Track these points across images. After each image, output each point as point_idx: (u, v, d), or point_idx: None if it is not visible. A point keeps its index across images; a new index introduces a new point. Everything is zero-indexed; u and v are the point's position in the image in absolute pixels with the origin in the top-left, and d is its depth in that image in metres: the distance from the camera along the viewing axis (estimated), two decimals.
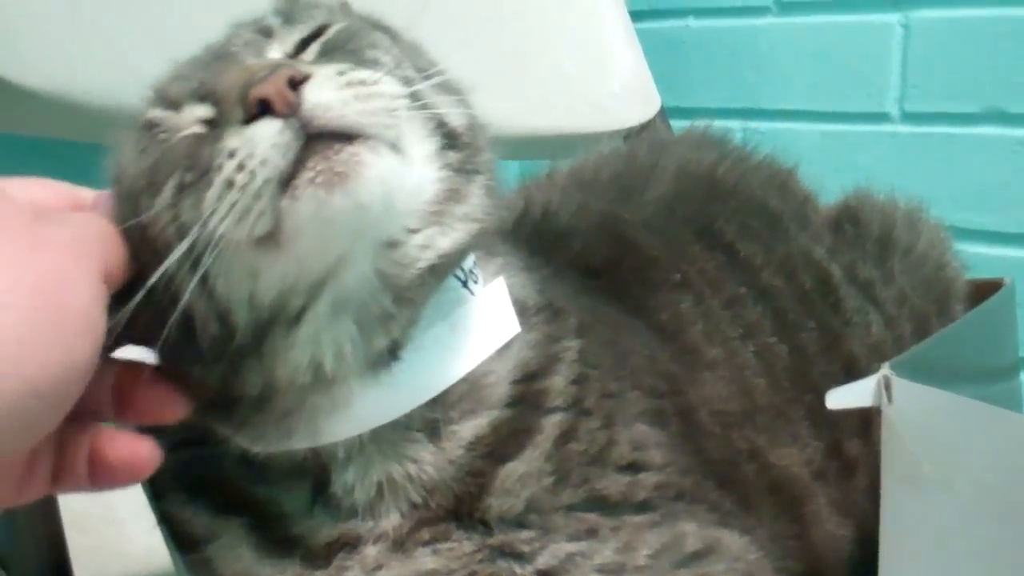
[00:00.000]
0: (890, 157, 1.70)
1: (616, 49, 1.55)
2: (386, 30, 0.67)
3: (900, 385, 0.74)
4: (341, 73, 0.55)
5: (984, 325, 0.95)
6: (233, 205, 0.52)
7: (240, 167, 0.53)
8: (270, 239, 0.54)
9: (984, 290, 1.02)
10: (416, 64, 0.64)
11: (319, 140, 0.53)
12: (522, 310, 0.68)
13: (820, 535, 0.84)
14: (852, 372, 0.88)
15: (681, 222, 0.93)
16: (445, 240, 0.60)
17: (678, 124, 1.71)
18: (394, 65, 0.61)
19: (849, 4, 1.74)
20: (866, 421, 0.87)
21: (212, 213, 0.53)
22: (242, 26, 0.64)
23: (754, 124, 1.86)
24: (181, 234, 0.54)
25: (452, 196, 0.61)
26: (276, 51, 0.61)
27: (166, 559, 0.65)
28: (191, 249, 0.53)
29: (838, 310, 0.93)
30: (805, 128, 1.80)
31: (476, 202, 0.63)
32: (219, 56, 0.61)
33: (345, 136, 0.54)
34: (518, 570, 0.62)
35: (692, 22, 1.93)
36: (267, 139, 0.52)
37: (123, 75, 1.04)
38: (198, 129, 0.57)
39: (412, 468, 0.62)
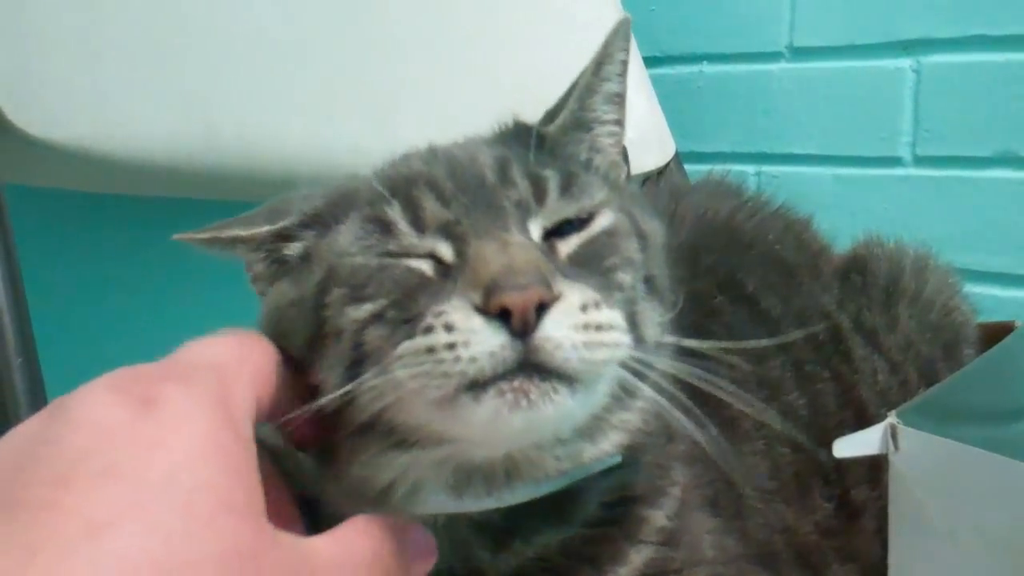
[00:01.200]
0: (903, 200, 1.71)
1: (630, 95, 1.56)
2: (642, 235, 0.67)
3: (906, 433, 0.75)
4: (584, 309, 0.55)
5: (995, 368, 0.94)
6: (422, 368, 0.54)
7: (450, 347, 0.54)
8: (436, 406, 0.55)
9: (995, 333, 1.03)
10: (650, 270, 0.65)
11: (529, 366, 0.54)
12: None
13: None
14: (862, 419, 0.90)
15: (704, 272, 0.95)
16: (589, 452, 0.62)
17: (692, 168, 1.73)
18: (631, 284, 0.62)
19: (861, 49, 1.76)
20: (874, 466, 0.87)
21: (400, 359, 0.55)
22: (519, 163, 0.65)
23: (768, 168, 1.87)
24: (356, 351, 0.57)
25: (616, 404, 0.62)
26: (537, 227, 0.62)
27: None
28: (355, 362, 0.57)
29: (848, 359, 0.95)
30: (818, 172, 1.81)
31: (639, 408, 0.63)
32: (487, 200, 0.61)
33: (555, 373, 0.54)
34: None
35: (706, 67, 1.95)
36: (488, 345, 0.53)
37: (144, 128, 1.06)
38: (427, 269, 0.59)
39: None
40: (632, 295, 0.62)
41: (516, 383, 0.53)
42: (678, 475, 0.71)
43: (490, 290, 0.54)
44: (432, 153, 0.68)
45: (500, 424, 0.54)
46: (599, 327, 0.55)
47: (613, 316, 0.57)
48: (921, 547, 0.74)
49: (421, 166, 0.65)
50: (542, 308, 0.54)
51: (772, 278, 0.97)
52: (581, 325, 0.55)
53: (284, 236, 0.65)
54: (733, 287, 0.94)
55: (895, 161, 1.73)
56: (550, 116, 0.70)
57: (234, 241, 0.64)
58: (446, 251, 0.59)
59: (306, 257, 0.64)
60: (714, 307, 0.91)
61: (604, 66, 0.70)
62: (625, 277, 0.62)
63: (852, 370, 0.95)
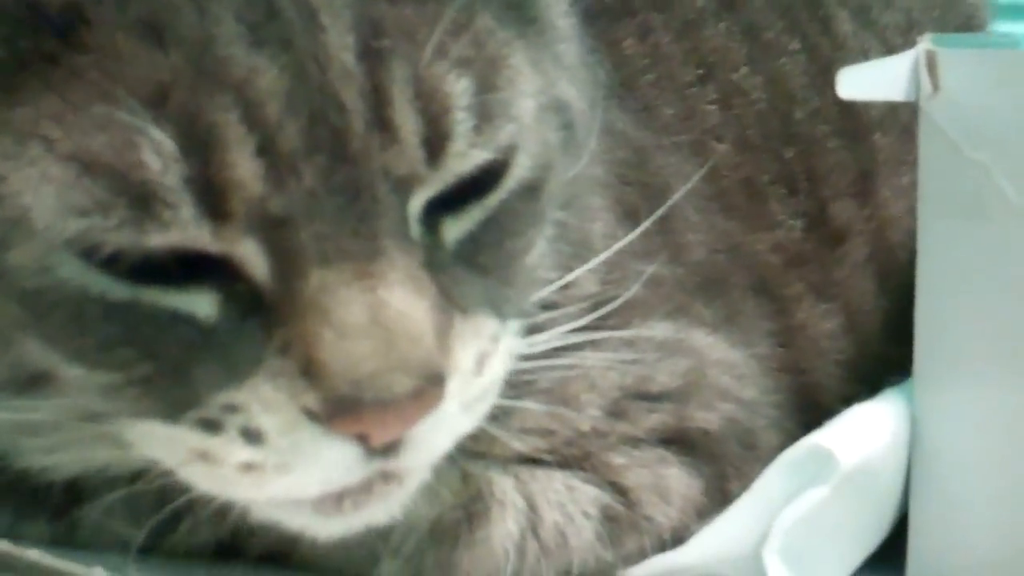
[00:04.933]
0: None
1: None
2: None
3: (951, 61, 0.47)
4: (479, 366, 0.39)
5: None
6: (193, 468, 0.37)
7: (248, 468, 0.36)
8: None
9: None
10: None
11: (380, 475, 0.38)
12: None
13: (802, 334, 0.65)
14: (847, 112, 0.68)
15: None
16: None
17: None
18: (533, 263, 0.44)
19: None
20: (864, 175, 0.68)
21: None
22: (406, 60, 0.36)
23: None
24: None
25: None
26: (420, 201, 0.38)
27: None
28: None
29: (827, 30, 0.73)
30: None
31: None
32: (348, 174, 0.35)
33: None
34: None
35: None
36: (321, 473, 0.37)
37: None
38: (207, 305, 0.36)
39: None
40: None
41: (349, 500, 0.38)
42: (597, 203, 0.54)
43: (340, 401, 0.35)
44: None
45: (316, 530, 0.40)
46: (493, 382, 0.40)
47: (511, 344, 0.41)
48: (975, 234, 0.46)
49: (239, 51, 0.35)
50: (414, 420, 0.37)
51: None
52: (470, 401, 0.39)
53: None
54: None
55: None
56: None
57: None
58: (259, 266, 0.35)
59: None
60: None
61: None
62: (527, 264, 0.43)
63: (834, 44, 0.72)
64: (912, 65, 0.48)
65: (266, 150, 0.34)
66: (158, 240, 0.34)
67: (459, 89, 0.36)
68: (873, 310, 0.65)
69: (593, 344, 0.50)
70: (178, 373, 0.36)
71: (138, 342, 0.36)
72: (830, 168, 0.67)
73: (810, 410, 0.60)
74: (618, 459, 0.51)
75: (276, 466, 0.36)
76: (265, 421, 0.35)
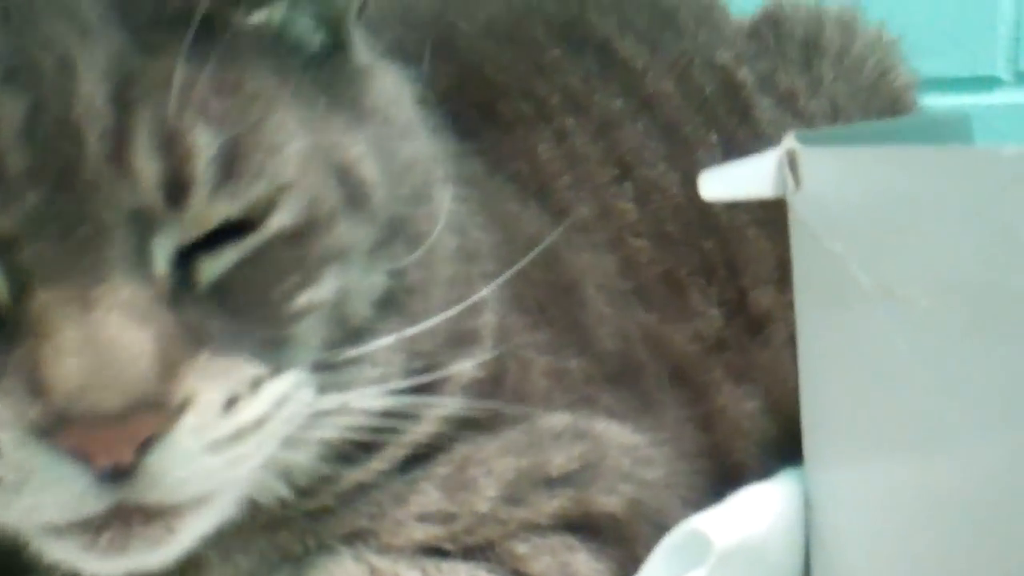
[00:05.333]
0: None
1: None
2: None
3: (810, 159, 0.50)
4: (231, 405, 0.40)
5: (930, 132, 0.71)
6: None
7: None
8: None
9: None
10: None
11: (131, 508, 0.39)
12: None
13: (722, 417, 0.66)
14: (766, 200, 0.66)
15: (537, 18, 0.73)
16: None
17: None
18: (323, 316, 0.44)
19: None
20: (784, 262, 0.65)
21: None
22: (152, 101, 0.39)
23: None
24: None
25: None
26: (167, 247, 0.40)
27: None
28: None
29: (746, 119, 0.75)
30: None
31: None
32: (79, 196, 0.38)
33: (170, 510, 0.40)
34: None
35: None
36: (58, 493, 0.38)
37: None
38: None
39: None
40: (329, 316, 0.44)
41: (107, 536, 0.39)
42: (486, 300, 0.54)
43: (59, 415, 0.36)
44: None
45: (90, 568, 0.41)
46: (258, 423, 0.41)
47: (278, 391, 0.42)
48: (842, 320, 0.48)
49: None
50: (149, 439, 0.38)
51: (638, 22, 0.75)
52: (224, 439, 0.40)
53: None
54: (577, 32, 0.73)
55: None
56: None
57: None
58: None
59: None
60: (544, 62, 0.71)
61: None
62: (304, 312, 0.43)
63: (753, 133, 0.73)
64: (777, 163, 0.51)
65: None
66: None
67: (203, 142, 0.39)
68: (794, 389, 0.65)
69: (488, 431, 0.52)
70: None
71: None
72: (749, 257, 0.68)
73: (735, 489, 0.59)
74: (521, 547, 0.51)
75: (12, 484, 0.37)
76: (1, 437, 0.37)
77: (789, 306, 0.65)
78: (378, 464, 0.50)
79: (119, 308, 0.38)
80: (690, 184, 0.65)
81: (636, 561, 0.54)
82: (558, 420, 0.55)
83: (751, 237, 0.69)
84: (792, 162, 0.50)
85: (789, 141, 0.51)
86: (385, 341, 0.46)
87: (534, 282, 0.59)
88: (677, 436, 0.60)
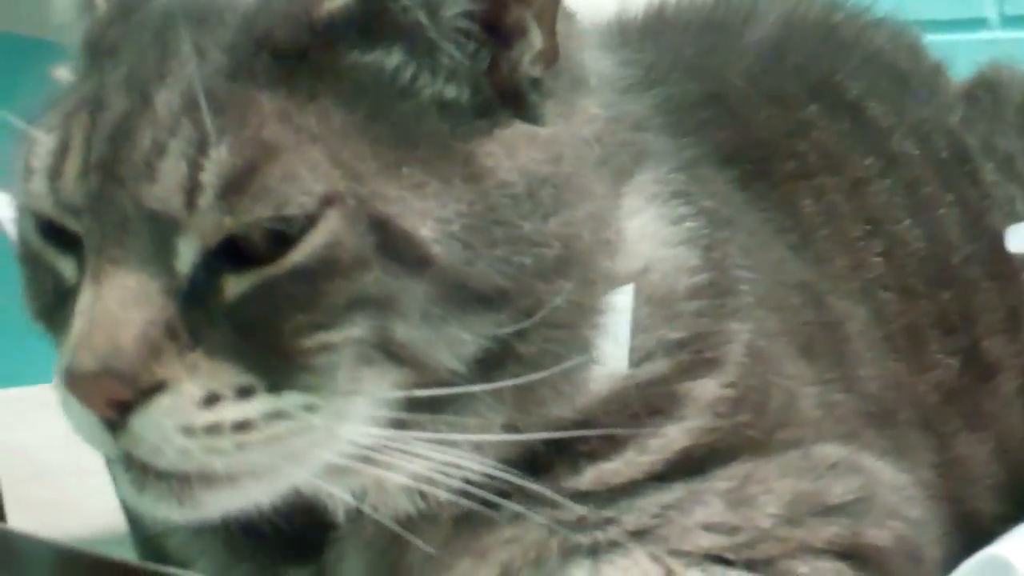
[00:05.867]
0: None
1: None
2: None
3: None
4: (209, 402, 0.44)
5: None
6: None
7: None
8: None
9: None
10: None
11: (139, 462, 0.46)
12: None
13: (959, 465, 0.70)
14: (997, 255, 0.74)
15: (792, 73, 0.78)
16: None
17: None
18: (336, 357, 0.46)
19: None
20: (1013, 314, 0.74)
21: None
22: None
23: None
24: None
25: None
26: (192, 247, 0.45)
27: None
28: None
29: (976, 182, 0.79)
30: None
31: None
32: (117, 188, 0.46)
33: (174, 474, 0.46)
34: None
35: None
36: (84, 428, 0.46)
37: None
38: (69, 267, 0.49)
39: None
40: (346, 356, 0.45)
41: (132, 476, 0.46)
42: (736, 330, 0.57)
43: (65, 366, 0.44)
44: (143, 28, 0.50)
45: (144, 505, 0.48)
46: (240, 426, 0.44)
47: (271, 406, 0.45)
48: None
49: (104, 78, 0.50)
50: (128, 411, 0.44)
51: (882, 84, 0.80)
52: (200, 428, 0.44)
53: None
54: (830, 92, 0.77)
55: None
56: None
57: None
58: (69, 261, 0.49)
59: None
60: (803, 119, 0.75)
61: None
62: (321, 352, 0.45)
63: (981, 194, 0.78)
64: None
65: (87, 154, 0.46)
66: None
67: (221, 155, 0.44)
68: (1022, 437, 0.72)
69: (762, 453, 0.55)
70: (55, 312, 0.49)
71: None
72: (982, 308, 0.72)
73: (967, 534, 0.64)
74: (801, 568, 0.54)
75: (70, 420, 0.46)
76: (56, 373, 0.46)
77: (1018, 355, 0.73)
78: (626, 469, 0.53)
79: (122, 288, 0.44)
80: (931, 239, 0.74)
81: None
82: (832, 451, 0.58)
83: (984, 288, 0.73)
84: None
85: None
86: (473, 388, 0.47)
87: (804, 321, 0.64)
88: (926, 478, 0.64)
